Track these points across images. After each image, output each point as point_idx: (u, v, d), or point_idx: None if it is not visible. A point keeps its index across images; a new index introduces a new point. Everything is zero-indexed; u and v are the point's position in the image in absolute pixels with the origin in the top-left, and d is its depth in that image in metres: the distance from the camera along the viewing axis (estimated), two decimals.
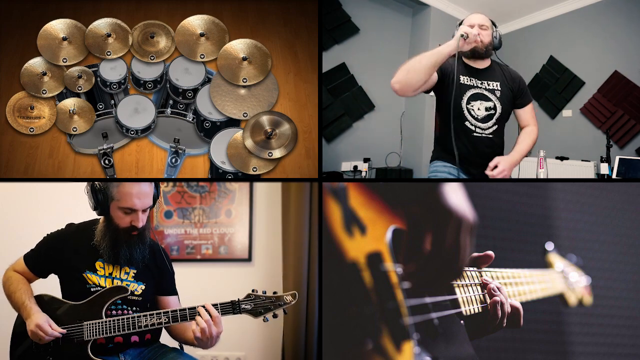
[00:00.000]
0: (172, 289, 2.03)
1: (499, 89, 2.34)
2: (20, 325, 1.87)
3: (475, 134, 2.28)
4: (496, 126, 2.31)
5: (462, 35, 2.22)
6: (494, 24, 2.39)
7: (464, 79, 2.31)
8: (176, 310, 1.80)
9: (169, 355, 1.90)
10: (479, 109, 2.29)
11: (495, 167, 2.23)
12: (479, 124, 2.29)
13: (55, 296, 1.90)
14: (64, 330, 1.79)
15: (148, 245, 1.93)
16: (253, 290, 1.82)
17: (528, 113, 2.45)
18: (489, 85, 2.33)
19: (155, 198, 1.91)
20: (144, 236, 1.91)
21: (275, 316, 1.81)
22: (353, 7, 4.33)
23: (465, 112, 2.28)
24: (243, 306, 1.79)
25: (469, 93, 2.30)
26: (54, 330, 1.77)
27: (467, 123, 2.28)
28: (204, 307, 1.77)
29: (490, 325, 1.47)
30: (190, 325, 1.79)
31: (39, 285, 1.96)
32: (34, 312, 1.82)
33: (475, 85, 2.32)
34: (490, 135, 2.30)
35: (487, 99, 2.31)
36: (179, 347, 2.02)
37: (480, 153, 2.28)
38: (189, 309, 1.79)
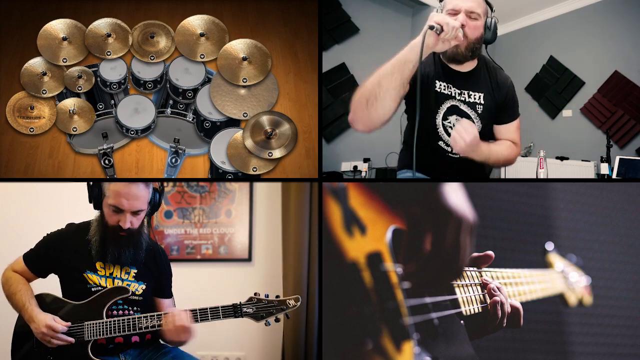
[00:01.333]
0: (168, 292, 2.02)
1: (482, 102, 1.85)
2: (21, 326, 1.86)
3: (451, 154, 1.87)
4: None
5: (431, 28, 1.60)
6: (489, 5, 1.82)
7: (440, 86, 1.80)
8: None
9: (168, 355, 1.90)
10: (454, 125, 1.80)
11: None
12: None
13: (56, 295, 1.90)
14: (69, 323, 1.79)
15: (144, 249, 1.91)
16: (255, 294, 1.81)
17: (512, 132, 1.90)
18: (469, 96, 1.83)
19: (154, 203, 1.90)
20: (134, 239, 1.88)
21: (277, 320, 1.81)
22: (353, 7, 4.33)
23: (440, 129, 1.85)
24: (245, 310, 1.79)
25: (445, 106, 1.84)
26: (62, 326, 1.78)
27: (441, 143, 1.85)
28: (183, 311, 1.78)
29: (490, 325, 1.47)
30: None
31: (39, 284, 1.96)
32: (37, 313, 1.81)
33: (452, 95, 1.82)
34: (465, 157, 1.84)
35: (464, 115, 1.83)
36: (179, 347, 2.02)
37: (456, 174, 1.88)
38: (190, 310, 1.79)
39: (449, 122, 1.81)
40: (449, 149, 1.84)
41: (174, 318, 1.77)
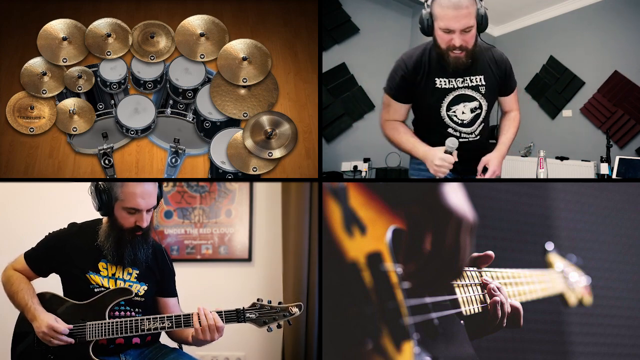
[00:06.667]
0: (172, 291, 2.02)
1: (483, 83, 2.07)
2: (22, 326, 1.86)
3: (460, 139, 2.09)
4: (483, 124, 2.13)
5: (447, 152, 1.97)
6: None
7: (440, 82, 2.03)
8: (180, 316, 1.80)
9: (169, 355, 1.90)
10: (463, 112, 2.06)
11: (485, 168, 2.09)
12: (464, 129, 2.10)
13: (58, 294, 1.90)
14: (70, 326, 1.79)
15: (151, 245, 1.93)
16: (258, 300, 1.82)
17: (512, 99, 2.24)
18: (472, 81, 2.05)
19: (159, 198, 1.91)
20: (148, 236, 1.91)
21: (279, 326, 1.82)
22: (353, 7, 4.33)
23: (447, 119, 2.09)
24: (248, 315, 1.80)
25: (448, 98, 2.07)
26: (64, 327, 1.77)
27: (449, 130, 2.10)
28: (210, 312, 1.78)
29: (490, 325, 1.47)
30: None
31: (41, 283, 1.96)
32: (40, 312, 1.81)
33: (455, 87, 2.04)
34: (477, 137, 2.14)
35: (471, 99, 2.07)
36: (178, 348, 2.02)
37: (466, 156, 2.10)
38: (193, 314, 1.79)
39: (454, 112, 2.06)
40: (457, 135, 2.09)
41: (207, 317, 1.77)
